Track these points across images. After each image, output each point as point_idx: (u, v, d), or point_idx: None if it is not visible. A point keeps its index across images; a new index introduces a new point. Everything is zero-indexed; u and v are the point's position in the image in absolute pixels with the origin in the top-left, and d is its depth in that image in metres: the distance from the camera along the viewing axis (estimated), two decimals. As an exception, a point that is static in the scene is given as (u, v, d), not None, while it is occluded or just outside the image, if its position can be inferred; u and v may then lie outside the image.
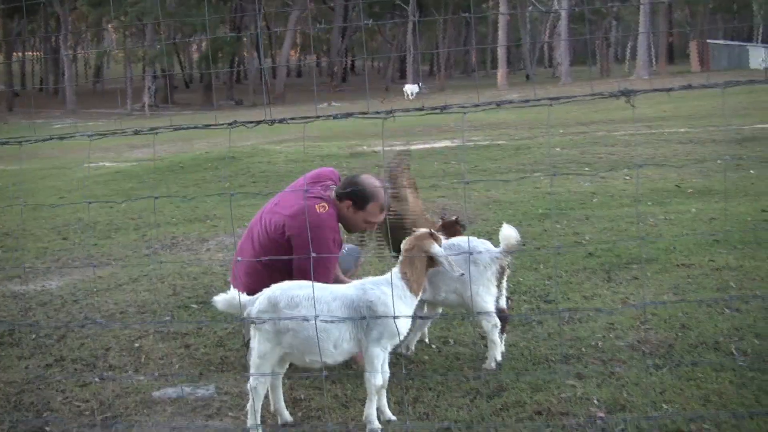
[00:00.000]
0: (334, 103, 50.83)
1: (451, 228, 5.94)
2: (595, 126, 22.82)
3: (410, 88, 53.96)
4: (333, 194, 5.60)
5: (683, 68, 64.12)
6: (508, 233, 5.38)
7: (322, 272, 5.21)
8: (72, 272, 8.97)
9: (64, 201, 14.25)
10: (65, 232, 11.41)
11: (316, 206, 5.41)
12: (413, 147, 19.78)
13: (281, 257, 5.37)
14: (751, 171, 12.86)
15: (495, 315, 5.37)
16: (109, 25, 71.61)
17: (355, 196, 5.50)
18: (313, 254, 4.85)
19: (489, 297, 5.38)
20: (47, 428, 4.85)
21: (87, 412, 5.05)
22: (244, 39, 65.67)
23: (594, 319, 6.21)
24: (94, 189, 16.11)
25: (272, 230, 5.52)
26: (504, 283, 5.51)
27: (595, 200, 11.30)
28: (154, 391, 5.35)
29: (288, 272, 5.24)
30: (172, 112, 55.24)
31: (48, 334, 6.67)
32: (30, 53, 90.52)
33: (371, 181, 5.58)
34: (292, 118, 3.28)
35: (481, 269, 5.32)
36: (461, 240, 5.61)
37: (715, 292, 6.62)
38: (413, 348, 5.86)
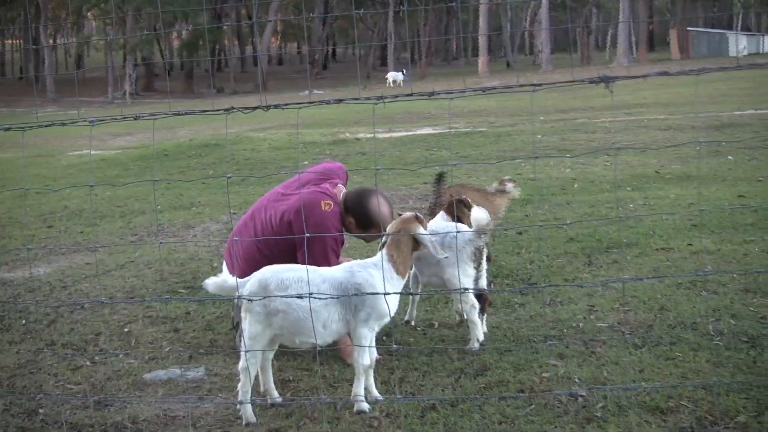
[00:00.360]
0: (315, 91, 50.76)
1: (457, 208, 6.00)
2: (575, 113, 22.97)
3: (393, 76, 53.91)
4: (341, 197, 5.64)
5: (663, 56, 64.31)
6: (479, 215, 5.51)
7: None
8: (59, 259, 9.04)
9: (48, 189, 14.27)
10: (51, 220, 11.47)
11: (322, 202, 5.43)
12: (395, 134, 19.86)
13: (281, 241, 5.42)
14: (729, 157, 13.04)
15: (473, 296, 5.50)
16: (89, 13, 71.24)
17: (361, 217, 5.53)
18: (313, 248, 4.95)
19: (465, 278, 5.50)
20: (41, 410, 4.94)
21: (79, 395, 5.14)
22: (225, 27, 65.45)
23: (575, 301, 6.35)
24: (79, 177, 16.12)
25: (277, 222, 5.53)
26: (483, 265, 5.62)
27: (575, 186, 11.44)
28: (145, 374, 5.45)
29: (286, 262, 5.26)
30: (154, 100, 55.08)
31: (38, 319, 6.77)
32: (9, 41, 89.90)
33: (381, 208, 5.52)
34: (287, 104, 3.38)
35: (455, 252, 5.42)
36: (435, 224, 5.74)
37: (694, 274, 6.76)
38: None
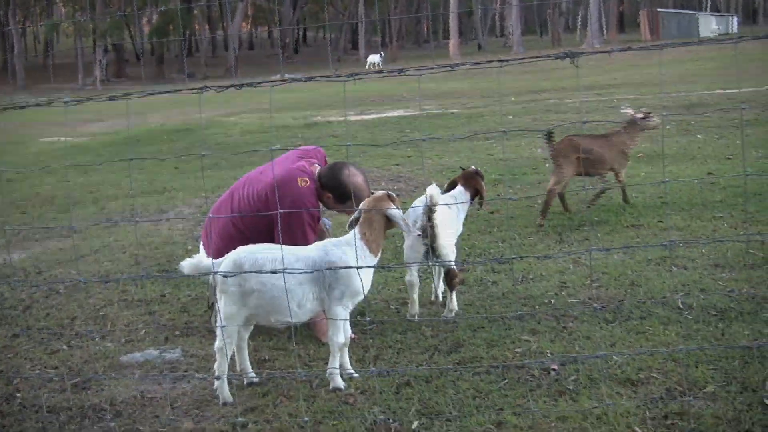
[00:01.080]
0: (286, 75, 50.63)
1: (471, 179, 6.07)
2: (547, 94, 23.10)
3: (372, 58, 54.22)
4: (316, 174, 5.66)
5: (634, 37, 64.53)
6: (430, 192, 5.57)
7: (301, 244, 5.26)
8: (33, 245, 9.02)
9: (20, 176, 14.21)
10: (23, 207, 11.43)
11: (298, 179, 5.46)
12: (367, 117, 19.88)
13: (259, 218, 5.46)
14: (699, 135, 13.18)
15: (415, 273, 5.67)
16: (58, -2, 70.61)
17: (336, 190, 5.55)
18: (291, 225, 4.98)
19: (411, 253, 5.63)
20: (18, 394, 4.95)
21: (57, 378, 5.15)
22: (195, 11, 65.12)
23: (547, 278, 6.43)
24: (50, 164, 16.05)
25: (254, 198, 5.57)
26: (441, 242, 5.56)
27: (547, 165, 11.49)
28: (122, 356, 5.47)
29: (262, 241, 5.28)
30: (125, 86, 54.77)
31: (13, 305, 6.76)
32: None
33: (356, 179, 5.55)
34: (259, 82, 3.42)
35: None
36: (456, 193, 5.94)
37: (663, 250, 6.85)
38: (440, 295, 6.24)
